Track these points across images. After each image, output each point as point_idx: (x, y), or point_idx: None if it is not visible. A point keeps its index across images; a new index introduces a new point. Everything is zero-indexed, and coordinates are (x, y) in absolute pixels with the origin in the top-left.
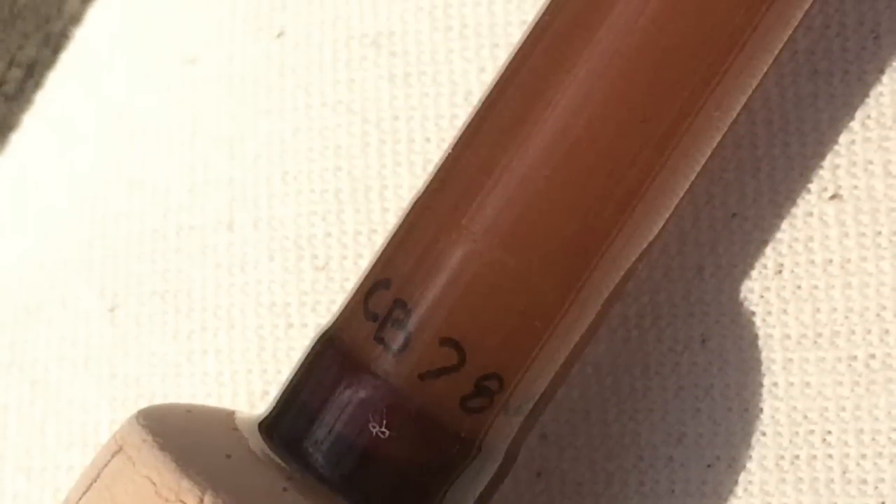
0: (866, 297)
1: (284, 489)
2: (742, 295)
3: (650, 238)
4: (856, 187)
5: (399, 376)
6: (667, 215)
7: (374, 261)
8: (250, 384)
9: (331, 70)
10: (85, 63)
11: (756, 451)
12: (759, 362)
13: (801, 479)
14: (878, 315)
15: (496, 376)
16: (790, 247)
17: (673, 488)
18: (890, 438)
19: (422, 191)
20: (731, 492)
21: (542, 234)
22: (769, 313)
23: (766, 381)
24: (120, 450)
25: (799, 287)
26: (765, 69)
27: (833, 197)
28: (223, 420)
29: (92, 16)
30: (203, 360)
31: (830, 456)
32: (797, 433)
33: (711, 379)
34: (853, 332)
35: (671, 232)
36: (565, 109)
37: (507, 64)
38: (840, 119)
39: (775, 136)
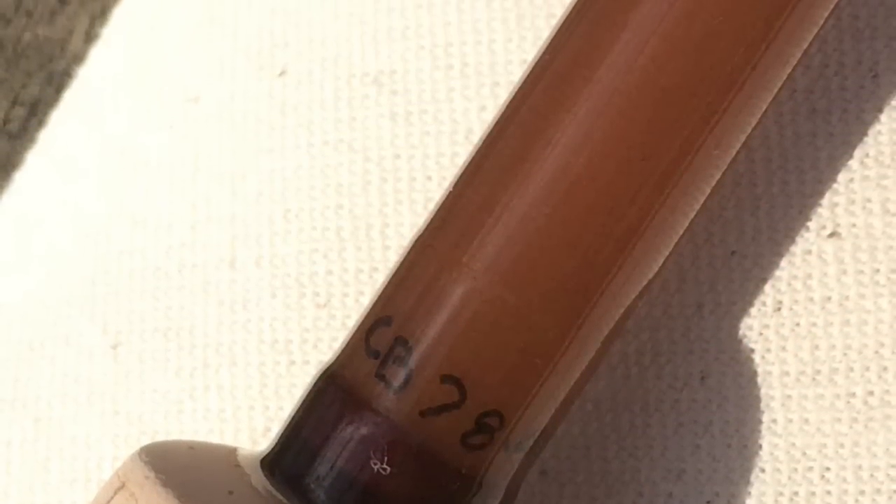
0: (864, 334)
1: None
2: (741, 332)
3: (650, 275)
4: (854, 225)
5: (400, 413)
6: (666, 253)
7: (375, 298)
8: (252, 421)
9: (332, 108)
10: (88, 101)
11: (755, 488)
12: (758, 399)
13: None
14: (876, 352)
15: (497, 413)
16: (789, 284)
17: None
18: (888, 475)
19: (422, 229)
20: None
21: (543, 272)
22: (768, 350)
23: (765, 418)
24: (123, 486)
25: (798, 324)
26: (764, 108)
27: (831, 235)
28: (225, 457)
29: (95, 55)
30: (205, 397)
31: (829, 493)
32: (796, 470)
33: (710, 416)
34: (851, 370)
35: (671, 269)
36: (565, 148)
37: (507, 102)
38: (838, 157)
39: (774, 174)
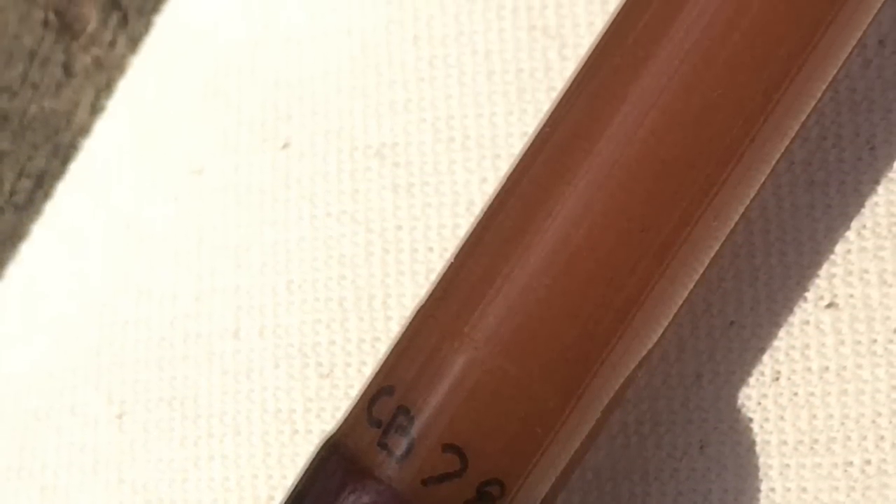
0: (862, 403)
1: None
2: (740, 402)
3: (649, 345)
4: (851, 296)
5: (402, 482)
6: (666, 323)
7: (378, 368)
8: (256, 489)
9: (335, 180)
10: (93, 174)
11: None
12: (756, 468)
13: None
14: (873, 422)
15: (498, 482)
16: (787, 354)
17: None
18: None
19: (424, 299)
20: None
21: (543, 342)
22: (766, 420)
23: (764, 487)
24: None
25: (796, 394)
26: (762, 179)
27: (829, 305)
28: None
29: (100, 127)
30: (209, 466)
31: None
32: None
33: (710, 484)
34: (849, 439)
35: (670, 339)
36: (565, 219)
37: (508, 174)
38: (836, 229)
39: (772, 245)
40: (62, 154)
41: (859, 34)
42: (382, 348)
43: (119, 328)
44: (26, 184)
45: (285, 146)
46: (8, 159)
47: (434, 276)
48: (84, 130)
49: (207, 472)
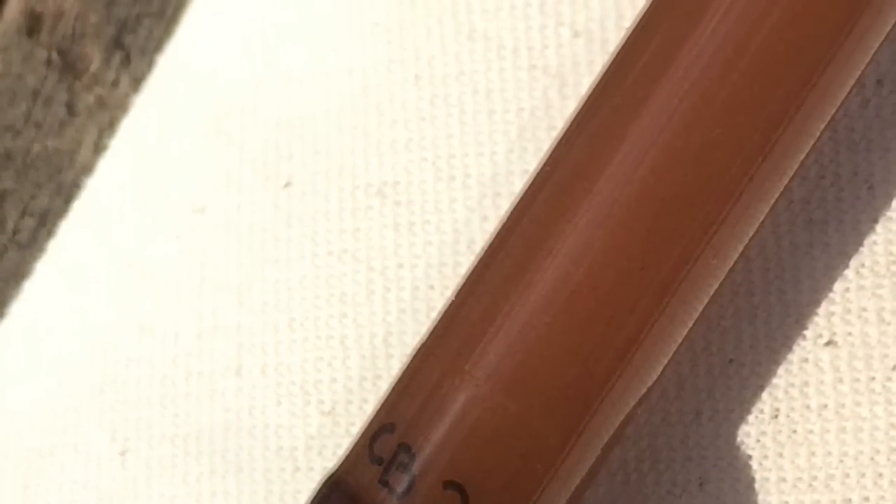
0: (860, 441)
1: None
2: (739, 439)
3: (649, 383)
4: (850, 334)
5: None
6: (665, 361)
7: (379, 406)
8: None
9: (337, 219)
10: (96, 212)
11: None
12: None
13: None
14: (871, 459)
15: None
16: (786, 392)
17: None
18: None
19: (425, 337)
20: None
21: (544, 380)
22: (765, 457)
23: None
24: None
25: (794, 431)
26: (761, 218)
27: (828, 343)
28: None
29: (103, 166)
30: (212, 503)
31: None
32: None
33: None
34: (847, 476)
35: (669, 377)
36: (565, 258)
37: (508, 213)
38: (835, 267)
39: (771, 283)
40: (65, 193)
41: (857, 74)
42: (384, 386)
43: (122, 366)
44: (29, 222)
45: (287, 185)
46: (11, 198)
47: (435, 314)
48: (87, 169)
49: None
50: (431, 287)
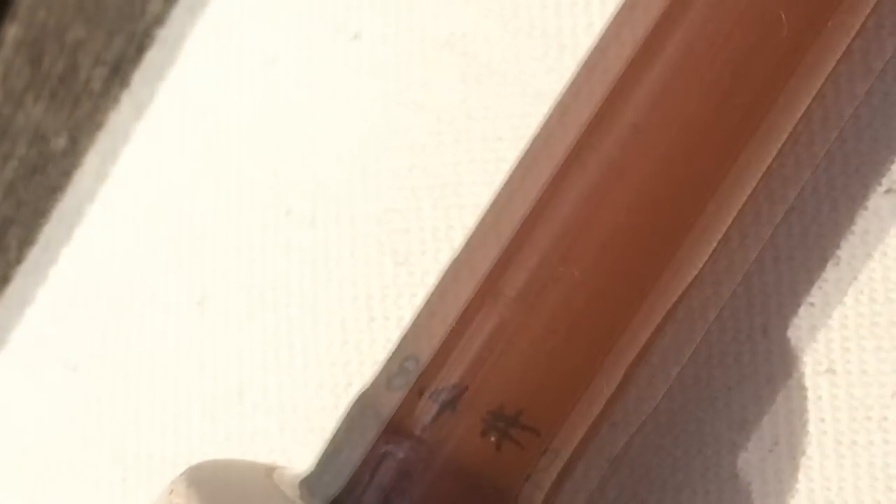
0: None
1: None
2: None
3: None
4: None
5: (437, 438)
6: (701, 261)
7: (407, 331)
8: (335, 376)
9: (406, 70)
10: (169, 63)
11: None
12: None
13: None
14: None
15: (532, 428)
16: (846, 239)
17: None
18: None
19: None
20: None
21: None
22: (827, 304)
23: None
24: (171, 493)
25: (856, 278)
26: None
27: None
28: (264, 475)
29: (174, 15)
30: (290, 353)
31: None
32: None
33: None
34: None
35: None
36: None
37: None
38: (894, 116)
39: (831, 132)
40: (137, 42)
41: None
42: (456, 237)
43: (198, 215)
44: (102, 71)
45: (356, 37)
46: (85, 47)
47: (504, 165)
48: (159, 19)
49: (288, 358)
50: (500, 138)
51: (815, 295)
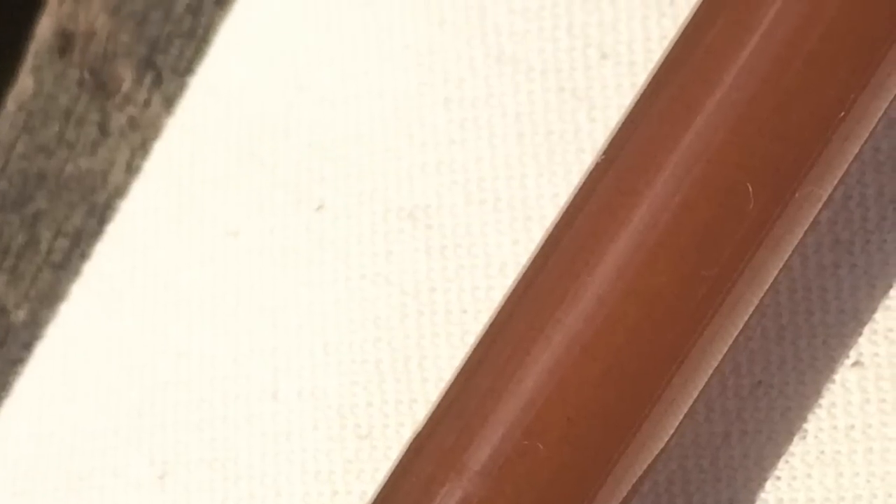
0: (887, 461)
1: None
2: (767, 460)
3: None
4: (877, 354)
5: None
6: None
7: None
8: None
9: (369, 242)
10: (131, 234)
11: None
12: None
13: None
14: None
15: None
16: (814, 413)
17: None
18: None
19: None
20: None
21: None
22: (794, 478)
23: None
24: None
25: (822, 452)
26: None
27: (855, 364)
28: None
29: (136, 188)
30: None
31: None
32: None
33: None
34: (875, 496)
35: (699, 399)
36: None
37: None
38: (861, 288)
39: (798, 304)
40: (99, 213)
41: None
42: (420, 410)
43: (159, 389)
44: (63, 243)
45: (320, 208)
46: (45, 218)
47: (469, 338)
48: (120, 190)
49: None
50: (465, 311)
51: (782, 469)
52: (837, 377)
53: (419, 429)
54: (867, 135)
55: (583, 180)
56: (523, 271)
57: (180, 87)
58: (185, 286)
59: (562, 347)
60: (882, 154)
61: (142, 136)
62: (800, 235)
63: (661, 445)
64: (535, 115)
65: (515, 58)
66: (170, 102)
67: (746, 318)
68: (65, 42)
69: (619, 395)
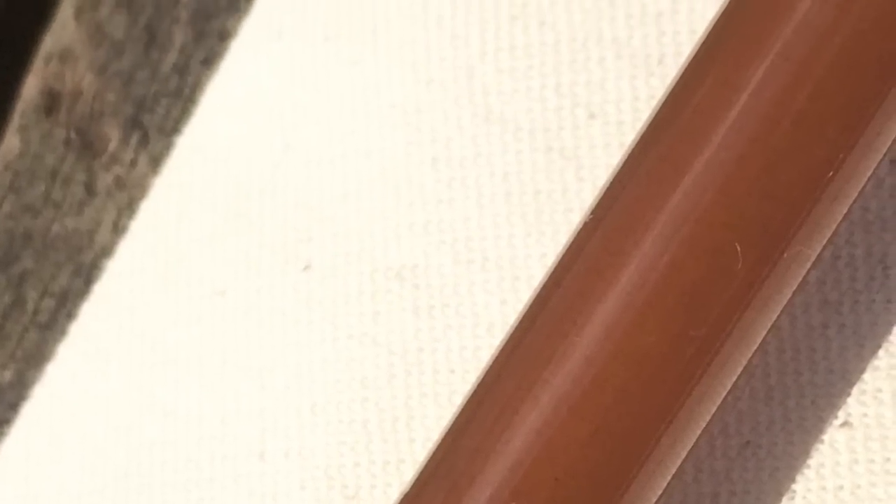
0: None
1: None
2: None
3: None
4: (865, 415)
5: None
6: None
7: None
8: None
9: (356, 302)
10: (117, 295)
11: None
12: None
13: None
14: None
15: None
16: (802, 473)
17: None
18: None
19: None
20: None
21: None
22: None
23: None
24: None
25: None
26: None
27: (843, 424)
28: None
29: (122, 248)
30: None
31: None
32: None
33: None
34: None
35: (687, 460)
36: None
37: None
38: (849, 348)
39: (787, 364)
40: (85, 273)
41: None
42: (407, 470)
43: (146, 450)
44: (49, 303)
45: (306, 268)
46: (31, 278)
47: (457, 398)
48: (106, 250)
49: None
50: (452, 371)
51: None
52: (826, 437)
53: (407, 489)
54: (856, 194)
55: (571, 240)
56: (511, 331)
57: (167, 147)
58: (172, 346)
59: (550, 408)
60: (871, 214)
61: (128, 196)
62: (788, 295)
63: None
64: (522, 175)
65: (503, 117)
66: (156, 162)
67: (735, 378)
68: (51, 101)
69: (608, 456)
